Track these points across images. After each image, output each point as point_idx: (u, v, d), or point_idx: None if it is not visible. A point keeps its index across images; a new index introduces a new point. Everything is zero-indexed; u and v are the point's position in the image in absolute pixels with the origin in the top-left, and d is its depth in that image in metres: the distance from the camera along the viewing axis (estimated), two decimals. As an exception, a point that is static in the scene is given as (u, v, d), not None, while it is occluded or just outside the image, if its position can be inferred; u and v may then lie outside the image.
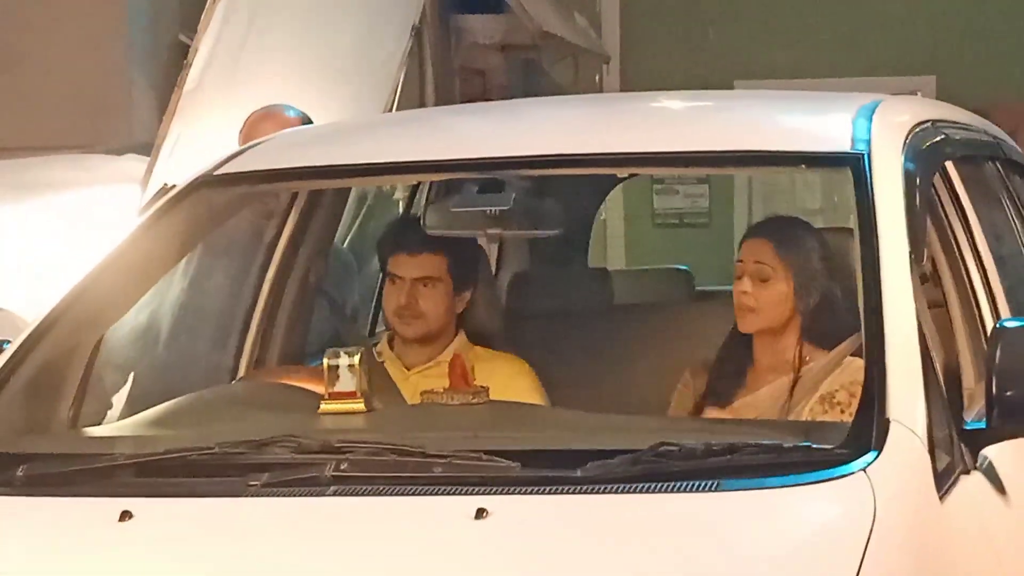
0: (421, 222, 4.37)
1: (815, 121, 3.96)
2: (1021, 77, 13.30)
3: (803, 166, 3.96)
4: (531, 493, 2.93)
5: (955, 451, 3.13)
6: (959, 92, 4.78)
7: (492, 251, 5.44)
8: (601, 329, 4.83)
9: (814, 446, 3.02)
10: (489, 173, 4.00)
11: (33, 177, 6.72)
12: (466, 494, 2.90)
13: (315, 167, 4.13)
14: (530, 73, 12.34)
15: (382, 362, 4.14)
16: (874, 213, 3.37)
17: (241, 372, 4.49)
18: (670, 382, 4.19)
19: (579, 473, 2.95)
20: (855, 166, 3.52)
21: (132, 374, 4.35)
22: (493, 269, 5.47)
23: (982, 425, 3.21)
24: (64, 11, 8.73)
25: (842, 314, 3.89)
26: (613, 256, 12.39)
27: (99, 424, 3.99)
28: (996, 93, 12.05)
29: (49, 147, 7.52)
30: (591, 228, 6.03)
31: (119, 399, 4.34)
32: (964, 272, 3.87)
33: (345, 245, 5.43)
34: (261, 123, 4.87)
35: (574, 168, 4.16)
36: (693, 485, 2.91)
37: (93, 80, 8.57)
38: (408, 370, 4.13)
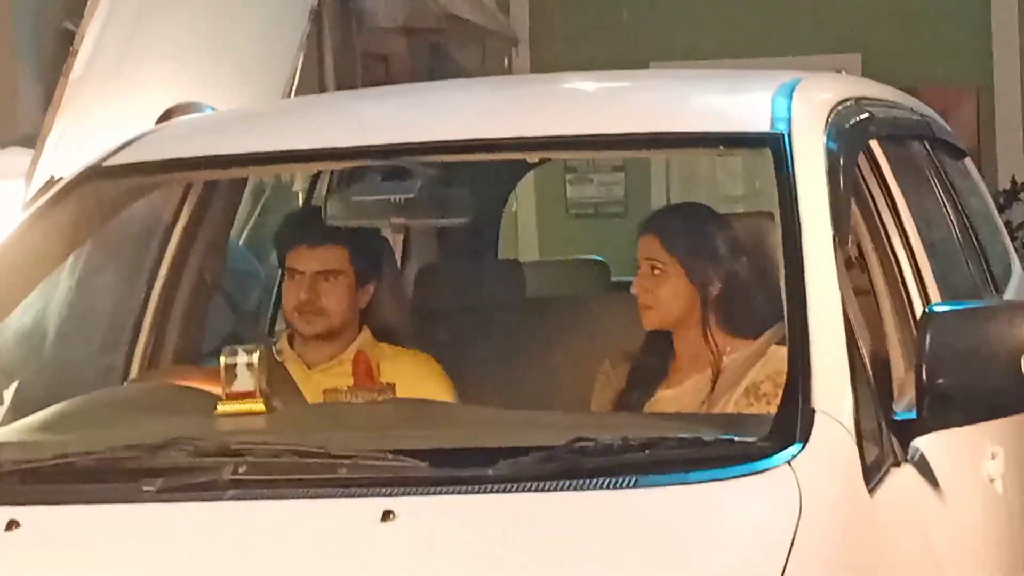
0: (321, 213, 4.35)
1: (733, 101, 3.96)
2: (948, 58, 13.37)
3: (720, 147, 3.97)
4: (441, 493, 2.92)
5: (884, 443, 3.14)
6: (885, 72, 4.78)
7: (397, 242, 5.45)
8: (513, 323, 4.83)
9: (736, 439, 3.05)
10: (393, 160, 3.99)
11: None
12: (372, 495, 2.90)
13: (210, 156, 4.09)
14: (436, 58, 12.32)
15: (282, 361, 4.13)
16: (795, 195, 3.37)
17: (133, 374, 4.43)
18: (586, 376, 4.20)
19: (491, 472, 2.95)
20: (775, 146, 3.52)
21: (16, 379, 4.27)
22: (399, 261, 5.45)
23: (912, 416, 3.21)
24: (-56, -2, 8.59)
25: (762, 302, 3.90)
26: (525, 247, 12.31)
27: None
28: (923, 73, 12.11)
29: None
30: (501, 218, 6.05)
31: (1, 405, 4.29)
32: (892, 256, 3.89)
33: (242, 240, 5.40)
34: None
35: (481, 153, 4.17)
36: (610, 482, 2.89)
37: None
38: (310, 369, 4.12)
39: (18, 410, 4.12)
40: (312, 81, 9.04)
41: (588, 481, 2.91)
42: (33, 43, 8.48)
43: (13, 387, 4.22)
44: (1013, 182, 12.46)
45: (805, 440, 2.91)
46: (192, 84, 5.22)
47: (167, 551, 2.86)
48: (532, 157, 4.49)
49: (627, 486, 2.88)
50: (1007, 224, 7.18)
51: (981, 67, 13.38)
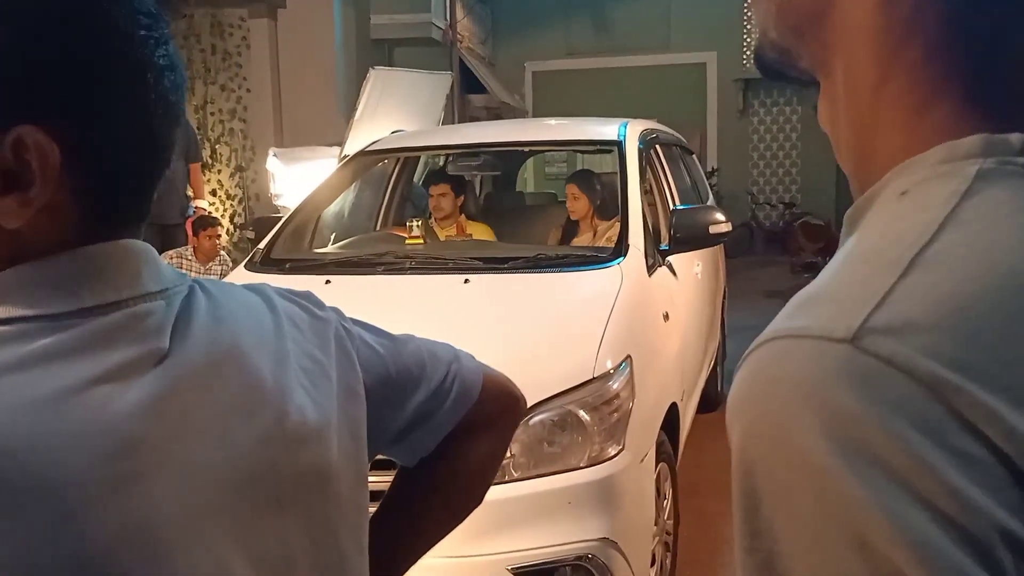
0: (442, 170, 4.33)
1: (601, 128, 3.81)
2: (677, 111, 13.01)
3: (598, 147, 3.91)
4: (487, 272, 2.87)
5: (655, 257, 3.06)
6: (669, 124, 4.62)
7: (476, 182, 5.40)
8: (521, 212, 4.72)
9: (600, 255, 2.98)
10: (471, 149, 3.94)
11: (298, 154, 5.99)
12: (460, 273, 2.86)
13: (404, 147, 4.04)
14: (495, 119, 12.17)
15: (432, 224, 4.07)
16: (625, 165, 3.28)
17: (376, 230, 4.38)
18: (546, 233, 4.09)
19: (507, 265, 2.91)
20: (619, 146, 3.43)
21: (334, 232, 4.20)
22: (477, 189, 5.37)
23: (667, 247, 3.14)
24: None
25: (613, 206, 3.82)
26: (527, 187, 12.05)
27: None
28: (684, 124, 11.89)
29: (306, 143, 6.74)
30: (516, 175, 5.87)
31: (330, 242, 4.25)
32: (661, 189, 3.77)
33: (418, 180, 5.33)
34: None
35: (502, 147, 4.10)
36: (552, 269, 2.85)
37: (322, 116, 7.67)
38: (442, 228, 4.05)
39: (334, 242, 4.06)
40: (448, 121, 8.92)
41: (543, 268, 2.86)
42: (344, 92, 7.95)
43: (333, 235, 4.11)
44: (712, 168, 12.28)
45: (625, 255, 2.86)
46: (401, 121, 5.12)
47: (385, 290, 2.83)
48: (524, 149, 4.41)
49: (559, 271, 2.84)
50: (711, 184, 7.11)
51: (701, 119, 13.09)
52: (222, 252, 5.20)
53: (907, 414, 0.34)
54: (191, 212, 5.96)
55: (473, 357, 0.84)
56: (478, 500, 0.86)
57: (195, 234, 5.09)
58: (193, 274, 4.97)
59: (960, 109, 0.43)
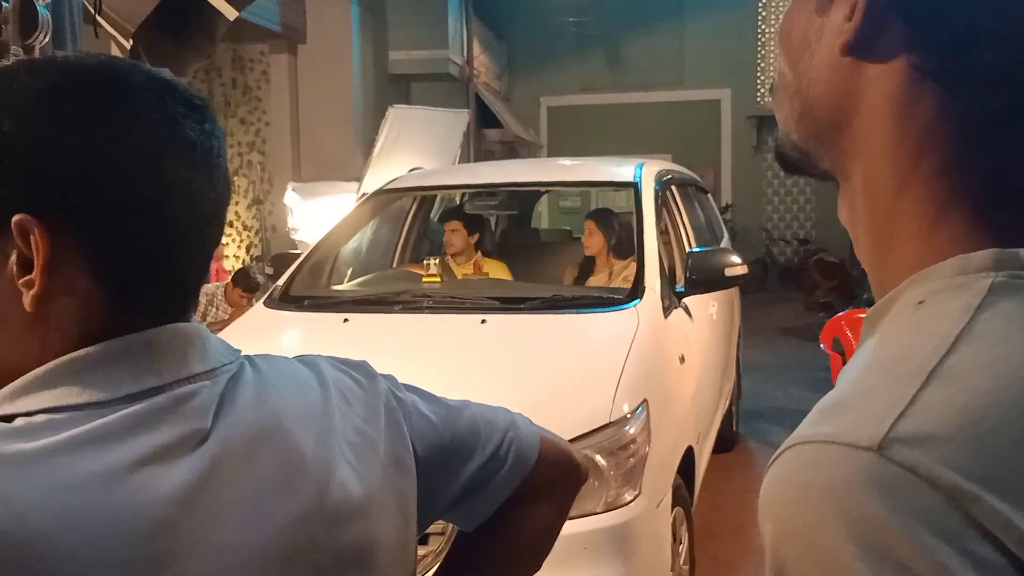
0: (457, 209, 4.37)
1: (618, 169, 3.82)
2: (690, 153, 13.02)
3: (613, 187, 3.94)
4: (504, 312, 2.88)
5: (671, 299, 3.06)
6: (682, 160, 4.66)
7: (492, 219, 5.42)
8: (536, 249, 4.73)
9: (616, 296, 2.99)
10: (491, 187, 3.98)
11: (317, 189, 6.08)
12: (476, 313, 2.86)
13: (421, 187, 4.08)
14: (511, 155, 12.27)
15: (448, 262, 4.08)
16: (641, 207, 3.29)
17: (394, 267, 4.40)
18: (561, 272, 4.09)
19: (524, 305, 2.92)
20: (635, 188, 3.43)
21: (351, 267, 4.23)
22: (493, 226, 5.38)
23: (682, 289, 3.14)
24: None
25: (629, 245, 3.84)
26: (544, 223, 12.08)
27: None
28: (698, 161, 11.93)
29: (324, 179, 6.81)
30: (532, 211, 5.88)
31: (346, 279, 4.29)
32: (678, 230, 3.78)
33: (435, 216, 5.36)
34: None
35: (520, 187, 4.13)
36: (569, 311, 2.86)
37: (340, 152, 7.78)
38: (459, 265, 4.06)
39: (351, 279, 4.08)
40: (465, 156, 9.01)
41: (559, 309, 2.87)
42: (362, 126, 8.08)
43: (350, 271, 4.13)
44: (726, 204, 12.29)
45: (641, 298, 2.86)
46: (418, 158, 5.17)
47: (403, 329, 2.83)
48: (540, 188, 4.42)
49: (574, 313, 2.85)
50: (726, 221, 7.14)
51: (715, 157, 13.11)
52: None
53: (929, 522, 0.36)
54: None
55: (531, 421, 0.83)
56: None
57: (234, 284, 5.17)
58: (220, 313, 5.15)
59: (973, 222, 0.45)
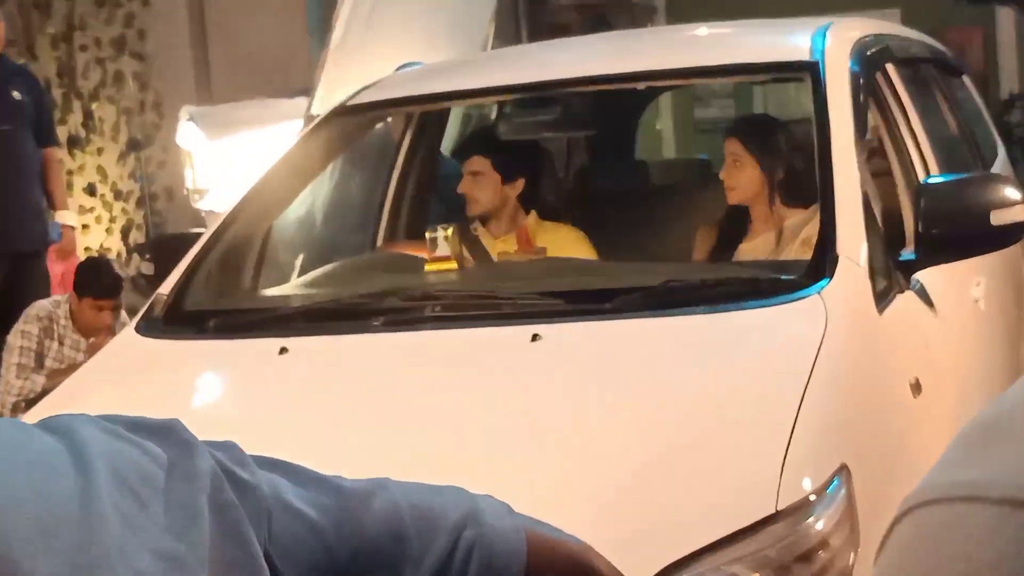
0: (475, 137, 4.45)
1: (783, 39, 3.87)
2: (965, 8, 13.12)
3: (774, 72, 3.99)
4: (573, 319, 2.93)
5: (892, 277, 3.07)
6: (920, 21, 4.74)
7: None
8: (642, 201, 4.76)
9: (782, 277, 3.02)
10: (549, 88, 4.03)
11: (236, 116, 6.91)
12: (524, 323, 2.89)
13: (420, 95, 4.11)
14: (599, 27, 12.29)
15: (477, 234, 4.11)
16: (826, 106, 3.31)
17: (378, 246, 4.48)
18: (687, 238, 4.14)
19: (611, 303, 2.95)
20: (813, 70, 3.45)
21: (301, 253, 4.32)
22: (566, 163, 5.44)
23: (913, 256, 3.15)
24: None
25: (809, 182, 3.82)
26: (667, 152, 12.28)
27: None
28: (948, 19, 11.93)
29: (252, 95, 7.50)
30: (635, 130, 5.85)
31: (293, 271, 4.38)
32: (900, 148, 3.77)
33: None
34: None
35: (608, 84, 4.11)
36: (694, 309, 2.89)
37: (281, 46, 8.47)
38: (495, 239, 4.09)
39: (303, 271, 4.16)
40: (511, 39, 9.11)
41: (678, 308, 2.90)
42: (318, 23, 8.40)
43: (297, 261, 4.21)
44: (1010, 94, 12.25)
45: (831, 276, 2.87)
46: (412, 50, 5.20)
47: (385, 367, 2.90)
48: (646, 85, 4.45)
49: (704, 312, 2.88)
50: (1007, 124, 7.17)
51: (988, 13, 13.09)
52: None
53: None
54: (56, 236, 6.14)
55: (510, 509, 0.87)
56: None
57: (77, 294, 5.23)
58: (65, 349, 5.28)
59: None
